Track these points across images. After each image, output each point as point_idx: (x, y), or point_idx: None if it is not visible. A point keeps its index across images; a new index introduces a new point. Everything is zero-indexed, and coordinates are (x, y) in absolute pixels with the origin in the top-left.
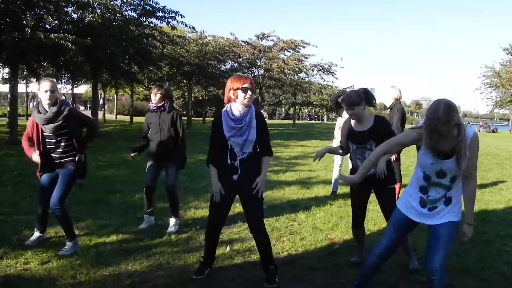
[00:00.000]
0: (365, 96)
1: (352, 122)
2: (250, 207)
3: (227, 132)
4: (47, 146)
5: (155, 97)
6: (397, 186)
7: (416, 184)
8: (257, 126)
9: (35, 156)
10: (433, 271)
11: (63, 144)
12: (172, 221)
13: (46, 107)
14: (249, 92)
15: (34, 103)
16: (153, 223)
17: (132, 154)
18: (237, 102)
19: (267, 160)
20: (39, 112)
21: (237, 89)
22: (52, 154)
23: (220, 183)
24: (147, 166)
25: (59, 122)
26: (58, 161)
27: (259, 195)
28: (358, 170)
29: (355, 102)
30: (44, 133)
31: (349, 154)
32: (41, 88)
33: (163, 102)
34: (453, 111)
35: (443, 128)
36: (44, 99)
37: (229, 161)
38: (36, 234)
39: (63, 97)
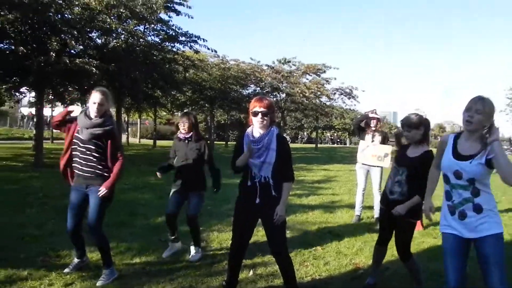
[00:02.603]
0: (425, 123)
1: (410, 146)
2: (272, 232)
3: None
4: (73, 153)
5: (184, 126)
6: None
7: (444, 194)
8: (278, 149)
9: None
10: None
11: (90, 157)
12: (193, 249)
13: (93, 116)
14: (259, 116)
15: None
16: (177, 249)
17: (158, 174)
18: (253, 125)
19: (287, 187)
20: (85, 115)
21: (252, 112)
22: (77, 167)
23: (241, 207)
24: (171, 193)
25: (98, 132)
26: (84, 175)
27: (279, 224)
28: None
29: (414, 124)
30: (74, 140)
31: (377, 176)
32: (91, 99)
33: (192, 132)
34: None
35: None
36: (92, 110)
37: (249, 183)
38: (75, 260)
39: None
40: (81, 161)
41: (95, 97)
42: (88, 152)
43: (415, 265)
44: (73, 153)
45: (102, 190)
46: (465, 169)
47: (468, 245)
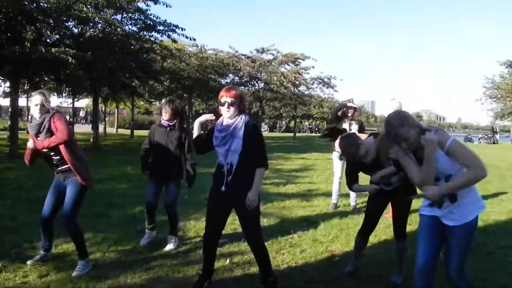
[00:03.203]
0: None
1: None
2: (245, 220)
3: (214, 142)
4: (47, 157)
5: (166, 114)
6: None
7: None
8: (247, 137)
9: (29, 143)
10: (452, 274)
11: (57, 156)
12: (170, 238)
13: (37, 118)
14: (226, 105)
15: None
16: (154, 237)
17: (147, 172)
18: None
19: (259, 172)
20: (30, 122)
21: (219, 102)
22: (54, 163)
23: (213, 195)
24: (148, 182)
25: (45, 129)
26: (59, 170)
27: (251, 209)
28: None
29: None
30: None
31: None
32: (32, 102)
33: (175, 120)
34: (404, 114)
35: (400, 131)
36: (35, 112)
37: (218, 172)
38: (40, 252)
39: (82, 114)
40: (53, 161)
41: (35, 99)
42: (52, 153)
43: (405, 246)
44: (47, 158)
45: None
46: (439, 169)
47: (443, 229)
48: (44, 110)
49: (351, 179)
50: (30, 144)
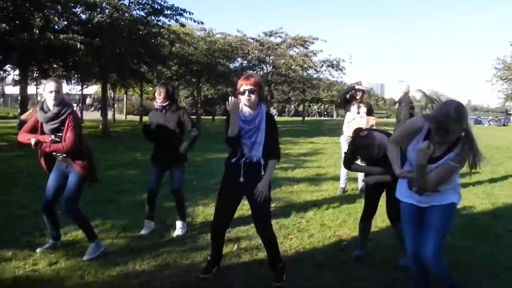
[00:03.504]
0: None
1: None
2: (257, 209)
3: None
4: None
5: (160, 96)
6: None
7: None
8: (267, 129)
9: (33, 141)
10: (426, 259)
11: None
12: (179, 224)
13: (51, 107)
14: (246, 93)
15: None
16: (153, 228)
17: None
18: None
19: (272, 164)
20: (41, 109)
21: (239, 91)
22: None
23: (227, 182)
24: (151, 168)
25: (57, 125)
26: (62, 158)
27: (262, 200)
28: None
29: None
30: (45, 132)
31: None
32: (46, 88)
33: (169, 101)
34: (464, 112)
35: (452, 126)
36: (49, 99)
37: (233, 160)
38: (50, 240)
39: (89, 101)
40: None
41: (50, 86)
42: (58, 141)
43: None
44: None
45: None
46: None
47: (424, 214)
48: (59, 98)
49: (349, 161)
50: (33, 143)
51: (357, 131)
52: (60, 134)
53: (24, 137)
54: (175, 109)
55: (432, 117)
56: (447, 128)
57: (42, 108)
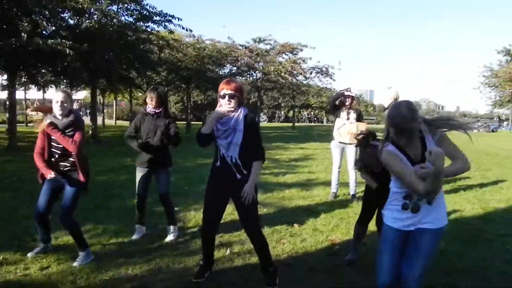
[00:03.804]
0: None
1: None
2: (243, 211)
3: (215, 132)
4: (54, 155)
5: (152, 101)
6: None
7: (397, 194)
8: (245, 130)
9: (51, 175)
10: (410, 281)
11: (67, 153)
12: (170, 228)
13: (59, 117)
14: (226, 98)
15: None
16: (144, 232)
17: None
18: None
19: (256, 166)
20: (54, 117)
21: (219, 95)
22: (56, 164)
23: (212, 185)
24: (137, 173)
25: (71, 133)
26: (61, 169)
27: (248, 202)
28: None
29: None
30: (52, 142)
31: (352, 154)
32: (54, 98)
33: (161, 107)
34: (414, 107)
35: (412, 125)
36: (56, 109)
37: (218, 163)
38: (40, 244)
39: (76, 106)
40: (59, 158)
41: (58, 96)
42: (66, 153)
43: None
44: (53, 154)
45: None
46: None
47: (406, 239)
48: (66, 109)
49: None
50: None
51: (365, 137)
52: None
53: (39, 163)
54: (166, 116)
55: (391, 124)
56: (409, 129)
57: (54, 117)
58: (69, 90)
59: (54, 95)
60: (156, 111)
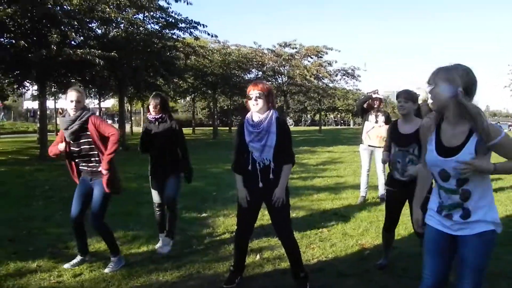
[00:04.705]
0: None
1: (399, 123)
2: (275, 215)
3: (247, 137)
4: (73, 155)
5: (156, 108)
6: None
7: (434, 189)
8: (278, 133)
9: (61, 146)
10: None
11: (86, 153)
12: (165, 240)
13: (71, 115)
14: (254, 98)
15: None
16: (172, 243)
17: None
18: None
19: (286, 169)
20: (63, 116)
21: (247, 96)
22: (80, 165)
23: (245, 190)
24: (150, 181)
25: (75, 127)
26: (87, 170)
27: (279, 206)
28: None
29: (411, 97)
30: (71, 148)
31: (381, 157)
32: (67, 97)
33: (162, 113)
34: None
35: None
36: (70, 108)
37: (250, 167)
38: (78, 257)
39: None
40: (81, 159)
41: (71, 95)
42: (83, 151)
43: None
44: (73, 155)
45: (104, 189)
46: (452, 166)
47: (453, 241)
48: (79, 107)
49: (386, 148)
50: (61, 147)
51: None
52: (84, 140)
53: (52, 148)
54: (169, 120)
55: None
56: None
57: (64, 116)
58: (97, 97)
59: (68, 94)
60: (157, 117)
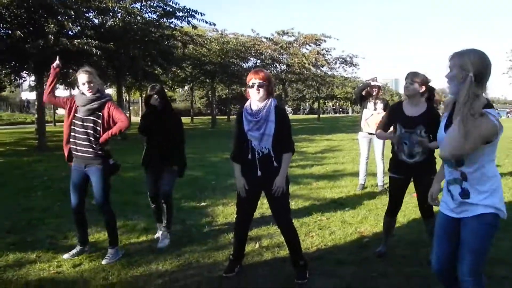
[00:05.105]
0: (427, 83)
1: (405, 104)
2: (275, 204)
3: (246, 126)
4: (73, 134)
5: (157, 100)
6: None
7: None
8: (276, 121)
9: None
10: (461, 277)
11: (88, 137)
12: (163, 234)
13: (88, 95)
14: (255, 87)
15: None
16: (170, 237)
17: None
18: (251, 98)
19: (286, 158)
20: (82, 93)
21: (248, 85)
22: (75, 146)
23: (244, 179)
24: (145, 173)
25: (95, 106)
26: (81, 155)
27: (279, 194)
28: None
29: (419, 79)
30: (74, 120)
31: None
32: (79, 81)
33: (161, 104)
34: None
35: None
36: (85, 90)
37: (250, 156)
38: (77, 247)
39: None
40: (80, 141)
41: (82, 78)
42: (86, 132)
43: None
44: (71, 133)
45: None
46: None
47: (459, 225)
48: (95, 87)
49: (381, 126)
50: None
51: None
52: (97, 120)
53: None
54: (168, 111)
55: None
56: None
57: (82, 93)
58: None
59: (78, 77)
60: (158, 108)
